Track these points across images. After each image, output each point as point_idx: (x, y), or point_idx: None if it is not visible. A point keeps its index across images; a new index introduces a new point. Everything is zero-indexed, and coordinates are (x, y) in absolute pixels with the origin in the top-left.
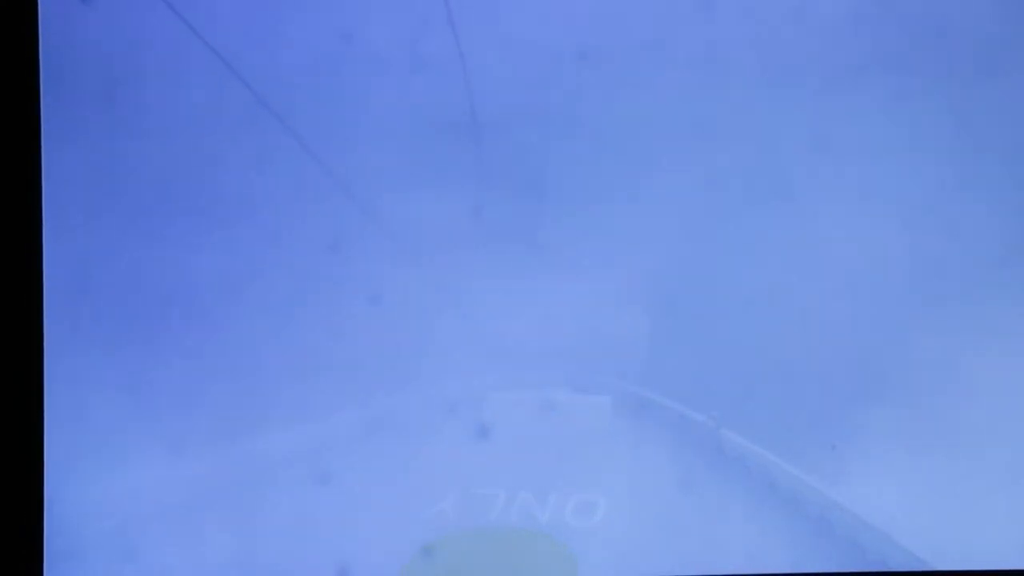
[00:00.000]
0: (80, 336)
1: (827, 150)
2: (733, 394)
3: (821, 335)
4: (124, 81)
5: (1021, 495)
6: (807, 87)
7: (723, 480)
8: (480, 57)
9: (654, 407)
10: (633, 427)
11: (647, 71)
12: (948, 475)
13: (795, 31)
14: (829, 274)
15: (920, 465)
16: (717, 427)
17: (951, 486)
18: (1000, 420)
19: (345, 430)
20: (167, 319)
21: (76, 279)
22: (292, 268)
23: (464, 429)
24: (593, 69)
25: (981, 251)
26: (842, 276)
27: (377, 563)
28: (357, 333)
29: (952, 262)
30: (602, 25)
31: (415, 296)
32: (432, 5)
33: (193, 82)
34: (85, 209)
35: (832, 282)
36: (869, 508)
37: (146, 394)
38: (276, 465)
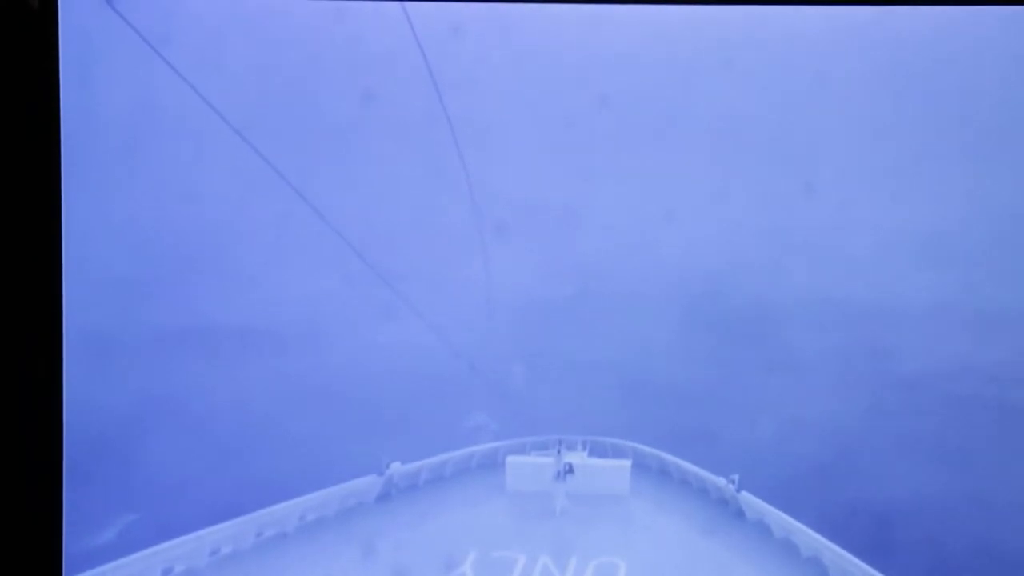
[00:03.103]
0: (96, 395)
1: (850, 215)
2: (753, 457)
3: (841, 398)
4: (143, 147)
5: None
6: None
7: (743, 543)
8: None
9: (674, 470)
10: (653, 490)
11: (663, 139)
12: (969, 537)
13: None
14: (848, 334)
15: (942, 528)
16: (737, 490)
17: (973, 549)
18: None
19: (366, 493)
20: (182, 380)
21: (97, 335)
22: (310, 328)
23: (484, 493)
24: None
25: (989, 308)
26: (861, 337)
27: None
28: (377, 397)
29: (966, 320)
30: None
31: (432, 359)
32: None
33: (208, 150)
34: (105, 268)
35: (852, 342)
36: (890, 572)
37: (167, 459)
38: (297, 530)
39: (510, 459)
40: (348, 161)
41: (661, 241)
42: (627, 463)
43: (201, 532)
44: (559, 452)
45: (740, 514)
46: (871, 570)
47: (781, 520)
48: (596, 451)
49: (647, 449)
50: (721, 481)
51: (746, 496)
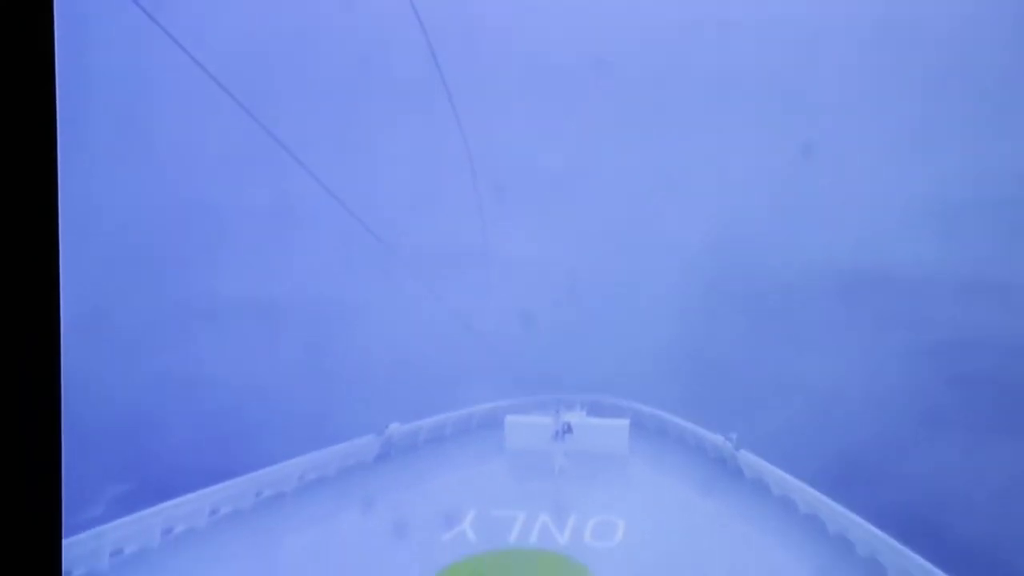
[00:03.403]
0: (95, 366)
1: (847, 177)
2: (751, 415)
3: (840, 356)
4: (138, 115)
5: None
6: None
7: (742, 501)
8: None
9: (672, 428)
10: (651, 448)
11: (661, 98)
12: (969, 496)
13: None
14: (846, 295)
15: (942, 485)
16: (736, 448)
17: (974, 507)
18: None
19: (364, 454)
20: (181, 346)
21: (93, 307)
22: (309, 294)
23: (483, 452)
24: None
25: (986, 274)
26: (859, 297)
27: None
28: (374, 359)
29: (962, 285)
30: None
31: (429, 321)
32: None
33: (207, 117)
34: (101, 239)
35: (850, 304)
36: (889, 528)
37: (165, 417)
38: (296, 490)
39: (509, 419)
40: (346, 128)
41: (662, 205)
42: (625, 422)
43: (201, 492)
44: (558, 412)
45: (738, 472)
46: (868, 525)
47: (779, 478)
48: (595, 411)
49: (645, 408)
50: (719, 439)
51: (744, 454)
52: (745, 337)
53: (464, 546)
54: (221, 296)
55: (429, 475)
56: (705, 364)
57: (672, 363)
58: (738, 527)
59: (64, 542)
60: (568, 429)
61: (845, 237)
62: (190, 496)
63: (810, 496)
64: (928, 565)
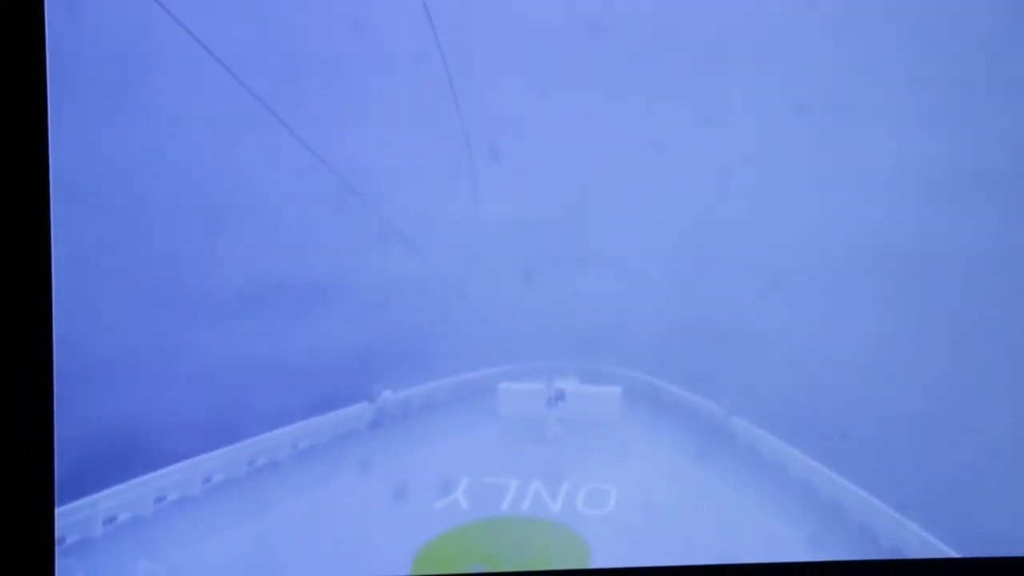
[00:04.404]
0: (88, 333)
1: (838, 143)
2: (744, 382)
3: (832, 323)
4: (131, 81)
5: None
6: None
7: (735, 468)
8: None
9: (665, 396)
10: (644, 416)
11: (654, 62)
12: (962, 462)
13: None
14: (840, 261)
15: (934, 452)
16: (728, 415)
17: (966, 473)
18: (1017, 405)
19: (357, 421)
20: (175, 316)
21: (84, 276)
22: (299, 262)
23: (476, 420)
24: (596, 53)
25: (983, 247)
26: (853, 263)
27: (390, 553)
28: (366, 326)
29: (956, 257)
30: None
31: (422, 289)
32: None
33: (198, 82)
34: (92, 207)
35: (843, 269)
36: (882, 495)
37: (157, 389)
38: (289, 457)
39: (502, 386)
40: (338, 93)
41: (660, 171)
42: (618, 389)
43: (194, 460)
44: (550, 379)
45: (731, 439)
46: (861, 492)
47: (773, 445)
48: (588, 377)
49: (639, 375)
50: (712, 406)
51: (737, 421)
52: (746, 308)
53: (457, 514)
54: (218, 276)
55: (422, 443)
56: (703, 334)
57: (668, 332)
58: (731, 494)
59: (57, 509)
60: (561, 396)
61: (852, 208)
62: (183, 464)
63: (802, 462)
64: (921, 532)
